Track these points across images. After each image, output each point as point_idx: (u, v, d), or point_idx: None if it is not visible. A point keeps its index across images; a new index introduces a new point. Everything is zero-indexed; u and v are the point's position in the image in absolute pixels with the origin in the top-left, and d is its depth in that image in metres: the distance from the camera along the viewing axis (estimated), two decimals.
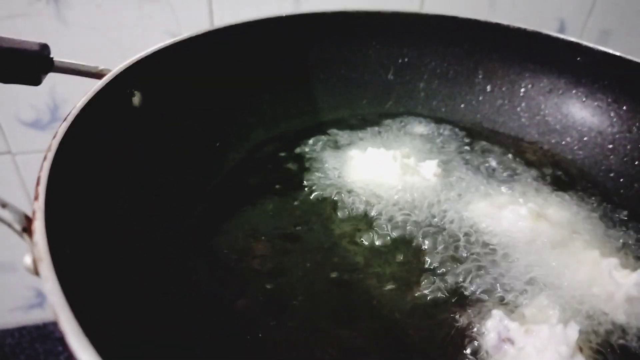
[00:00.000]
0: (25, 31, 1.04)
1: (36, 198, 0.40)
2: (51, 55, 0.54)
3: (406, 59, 0.86)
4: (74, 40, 1.06)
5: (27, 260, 0.37)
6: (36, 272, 0.36)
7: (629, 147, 0.74)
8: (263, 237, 0.61)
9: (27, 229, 0.38)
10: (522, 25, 0.79)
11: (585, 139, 0.78)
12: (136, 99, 0.59)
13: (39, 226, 0.37)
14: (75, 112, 0.49)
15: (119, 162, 0.55)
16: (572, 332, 0.50)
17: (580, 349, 0.51)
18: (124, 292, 0.45)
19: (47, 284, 0.34)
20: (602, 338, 0.54)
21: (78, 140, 0.48)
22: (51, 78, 1.06)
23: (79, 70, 0.57)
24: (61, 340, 0.31)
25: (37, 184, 0.41)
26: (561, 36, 0.77)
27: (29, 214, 0.39)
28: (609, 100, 0.76)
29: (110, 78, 0.55)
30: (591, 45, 0.75)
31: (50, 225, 0.38)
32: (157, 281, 0.50)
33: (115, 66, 0.57)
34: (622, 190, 0.73)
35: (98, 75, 0.56)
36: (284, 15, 0.76)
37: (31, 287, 1.39)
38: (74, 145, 0.47)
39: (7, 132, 1.14)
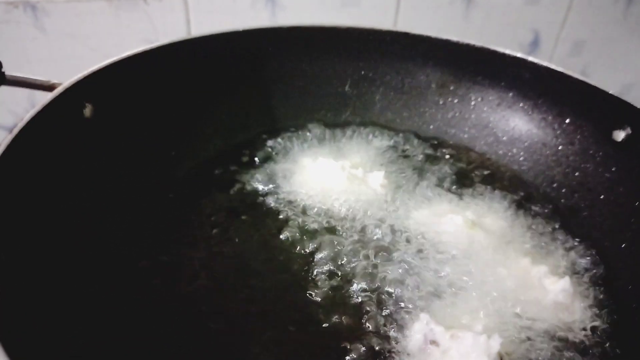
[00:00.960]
0: (3, 38, 1.06)
1: None
2: (2, 70, 0.57)
3: (362, 72, 0.89)
4: (52, 48, 1.08)
5: None
6: None
7: (571, 158, 0.77)
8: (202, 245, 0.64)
9: None
10: (471, 42, 0.82)
11: (530, 150, 0.81)
12: (87, 111, 0.62)
13: None
14: (21, 125, 0.52)
15: (67, 173, 0.58)
16: (494, 344, 0.52)
17: (501, 358, 0.53)
18: (62, 293, 0.48)
19: None
20: (524, 347, 0.56)
21: (23, 152, 0.51)
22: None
23: (30, 83, 0.60)
24: None
25: None
26: (507, 52, 0.80)
27: None
28: (553, 113, 0.79)
29: (61, 91, 0.58)
30: (536, 61, 0.78)
31: None
32: (99, 288, 0.53)
33: None
34: (562, 200, 0.76)
35: (50, 88, 0.59)
36: (240, 29, 0.79)
37: None
38: (17, 157, 0.50)
39: None
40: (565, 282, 0.61)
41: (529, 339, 0.57)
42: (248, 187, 0.74)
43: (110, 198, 0.63)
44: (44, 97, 0.55)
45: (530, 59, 0.78)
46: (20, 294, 0.43)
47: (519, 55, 0.80)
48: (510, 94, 0.83)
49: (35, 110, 0.54)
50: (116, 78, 0.67)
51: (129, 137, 0.68)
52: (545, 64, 0.77)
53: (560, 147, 0.79)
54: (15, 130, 0.51)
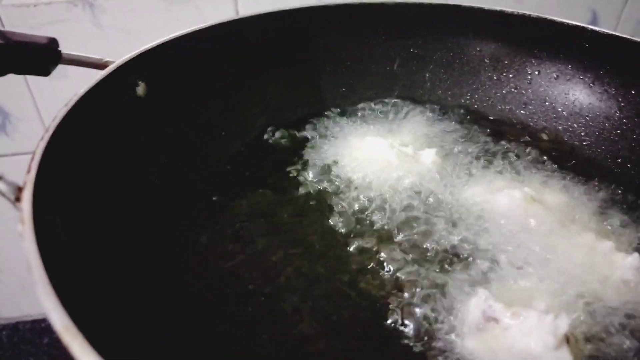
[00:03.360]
0: (64, 35, 1.11)
1: (28, 171, 0.44)
2: (59, 49, 0.59)
3: (411, 50, 0.87)
4: (108, 43, 1.13)
5: (19, 227, 0.42)
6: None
7: (637, 132, 0.72)
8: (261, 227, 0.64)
9: (18, 198, 0.43)
10: (527, 12, 0.78)
11: (592, 124, 0.77)
12: (140, 89, 0.64)
13: (26, 195, 0.42)
14: (75, 98, 0.53)
15: (119, 147, 0.59)
16: (562, 324, 0.49)
17: (567, 340, 0.50)
18: (102, 263, 0.49)
19: (26, 242, 0.38)
20: (591, 328, 0.53)
21: (77, 123, 0.52)
22: (90, 80, 1.15)
23: (85, 61, 0.62)
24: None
25: (32, 159, 0.45)
26: (565, 21, 0.76)
27: None
28: (617, 84, 0.75)
29: (112, 69, 0.59)
30: (596, 29, 0.74)
31: (38, 194, 0.42)
32: (135, 258, 0.54)
33: None
34: (627, 175, 0.71)
35: (103, 66, 0.61)
36: (288, 8, 0.79)
37: None
38: (72, 128, 0.51)
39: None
40: (634, 259, 0.57)
41: (595, 319, 0.53)
42: (297, 167, 0.74)
43: (159, 174, 0.64)
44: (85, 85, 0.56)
45: (590, 27, 0.74)
46: (71, 255, 0.44)
47: (577, 23, 0.76)
48: (570, 66, 0.79)
49: (90, 85, 0.55)
50: (167, 57, 0.68)
51: (180, 116, 0.69)
52: (606, 31, 0.73)
53: (624, 120, 0.74)
54: (70, 103, 0.52)
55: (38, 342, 1.48)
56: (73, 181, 0.50)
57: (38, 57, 0.56)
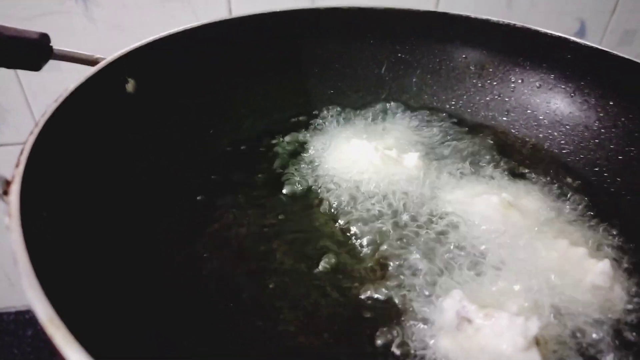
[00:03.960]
0: (56, 28, 1.11)
1: (17, 165, 0.45)
2: (50, 44, 0.60)
3: (399, 55, 0.88)
4: (101, 38, 1.13)
5: (6, 220, 0.43)
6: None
7: (614, 141, 0.74)
8: (244, 225, 0.65)
9: (6, 191, 0.43)
10: (512, 22, 0.80)
11: (572, 133, 0.79)
12: (130, 86, 0.65)
13: (14, 188, 0.43)
14: (65, 94, 0.54)
15: (108, 143, 0.60)
16: (532, 326, 0.51)
17: (537, 342, 0.52)
18: (87, 257, 0.50)
19: (13, 235, 0.39)
20: (560, 331, 0.54)
21: (66, 118, 0.53)
22: (80, 73, 1.15)
23: (76, 57, 0.63)
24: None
25: (21, 153, 0.46)
26: (550, 32, 0.78)
27: None
28: (596, 95, 0.77)
29: (103, 66, 0.60)
30: (579, 40, 0.76)
31: (26, 188, 0.43)
32: (129, 252, 0.55)
33: None
34: (604, 184, 0.73)
35: (93, 62, 0.62)
36: (280, 10, 0.80)
37: None
38: (61, 123, 0.52)
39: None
40: (604, 265, 0.59)
41: (565, 322, 0.55)
42: (282, 167, 0.75)
43: (145, 171, 0.65)
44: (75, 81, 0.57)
45: (573, 39, 0.76)
46: (57, 249, 0.45)
47: (561, 35, 0.77)
48: (552, 76, 0.81)
49: (79, 81, 0.56)
50: (158, 55, 0.69)
51: (168, 113, 0.70)
52: (589, 43, 0.75)
53: (603, 130, 0.76)
54: (60, 99, 0.53)
55: (21, 334, 1.48)
56: (60, 176, 0.51)
57: (29, 52, 0.57)
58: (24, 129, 1.22)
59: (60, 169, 0.52)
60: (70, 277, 0.43)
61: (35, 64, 0.58)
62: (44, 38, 0.59)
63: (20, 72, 1.16)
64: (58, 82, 1.15)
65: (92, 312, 0.41)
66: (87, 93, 0.57)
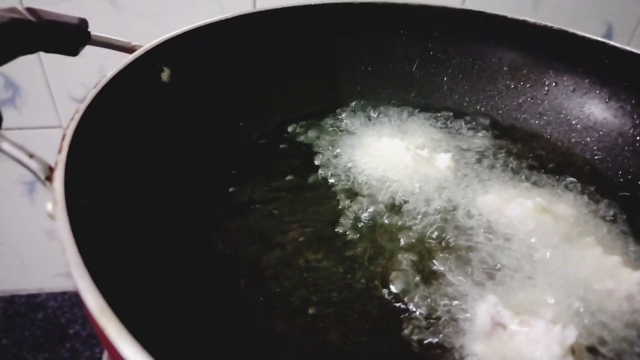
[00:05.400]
0: (79, 12, 1.11)
1: (60, 151, 0.44)
2: (89, 30, 0.60)
3: (431, 53, 0.87)
4: (124, 23, 1.12)
5: (49, 206, 0.42)
6: (53, 216, 0.41)
7: None
8: (271, 216, 0.65)
9: (49, 177, 0.43)
10: (549, 24, 0.79)
11: (605, 139, 0.78)
12: (165, 75, 0.64)
13: (58, 174, 0.42)
14: (104, 80, 0.54)
15: (142, 131, 0.60)
16: (570, 335, 0.50)
17: (573, 351, 0.51)
18: (132, 243, 0.49)
19: (59, 222, 0.38)
20: (595, 340, 0.54)
21: (105, 106, 0.53)
22: (101, 59, 1.15)
23: (113, 44, 0.62)
24: (81, 301, 0.36)
25: (62, 139, 0.46)
26: (587, 35, 0.77)
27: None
28: (633, 102, 0.75)
29: (140, 53, 0.59)
30: (618, 45, 0.75)
31: (69, 175, 0.43)
32: (164, 240, 0.54)
33: None
34: (637, 193, 0.72)
35: (131, 50, 0.61)
36: (313, 4, 0.80)
37: None
38: (100, 110, 0.52)
39: (59, 108, 1.22)
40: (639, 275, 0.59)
41: (598, 331, 0.54)
42: (312, 162, 0.74)
43: (178, 160, 0.65)
44: (113, 68, 0.57)
45: (612, 43, 0.75)
46: (99, 238, 0.45)
47: (599, 39, 0.76)
48: (587, 80, 0.80)
49: (118, 68, 0.56)
50: (193, 45, 0.68)
51: (200, 104, 0.70)
52: (628, 48, 0.73)
53: (638, 137, 0.75)
54: (99, 86, 0.52)
55: (33, 317, 1.49)
56: (98, 162, 0.51)
57: (68, 37, 0.57)
58: (45, 112, 1.22)
59: (98, 156, 0.51)
60: (112, 266, 0.42)
61: (73, 49, 0.58)
62: (83, 23, 0.58)
63: (42, 55, 1.16)
64: (79, 66, 1.15)
65: (136, 302, 0.40)
66: (124, 80, 0.56)
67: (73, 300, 1.52)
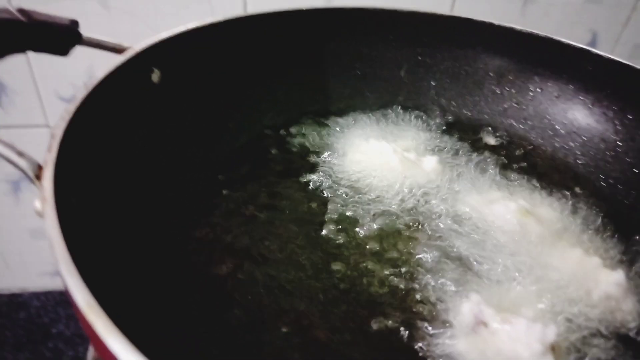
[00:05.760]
0: (70, 13, 1.10)
1: (49, 150, 0.45)
2: (79, 30, 0.60)
3: (420, 58, 0.89)
4: (114, 24, 1.12)
5: (37, 204, 0.42)
6: (42, 214, 0.41)
7: (630, 155, 0.75)
8: (258, 218, 0.65)
9: (38, 175, 0.43)
10: (535, 31, 0.81)
11: (588, 145, 0.79)
12: (155, 76, 0.65)
13: (47, 173, 0.42)
14: (95, 81, 0.54)
15: (132, 131, 0.60)
16: (550, 333, 0.52)
17: (553, 349, 0.52)
18: (120, 241, 0.50)
19: (48, 220, 0.39)
20: (573, 339, 0.55)
21: (95, 106, 0.53)
22: (89, 58, 1.14)
23: (104, 45, 0.62)
24: (68, 297, 0.36)
25: (52, 138, 0.46)
26: (572, 43, 0.79)
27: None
28: (615, 108, 0.77)
29: (132, 55, 0.60)
30: (601, 53, 0.76)
31: (58, 173, 0.43)
32: (151, 238, 0.55)
33: None
34: (618, 197, 0.74)
35: (121, 51, 0.61)
36: (303, 8, 0.80)
37: None
38: (90, 110, 0.52)
39: (46, 107, 1.21)
40: (618, 275, 0.60)
41: (577, 330, 0.56)
42: (299, 165, 0.75)
43: (168, 160, 0.65)
44: (104, 69, 0.57)
45: (596, 51, 0.76)
46: (87, 236, 0.45)
47: (583, 46, 0.78)
48: (571, 87, 0.81)
49: (109, 69, 0.56)
50: (182, 47, 0.69)
51: (190, 106, 0.70)
52: (611, 56, 0.75)
53: (619, 143, 0.77)
54: (90, 86, 0.53)
55: (15, 317, 1.48)
56: (86, 162, 0.51)
57: (58, 37, 0.57)
58: (32, 111, 1.21)
59: (87, 155, 0.51)
60: (99, 263, 0.43)
61: (63, 49, 0.58)
62: (74, 24, 0.58)
63: (30, 54, 1.15)
64: (67, 65, 1.15)
65: (124, 299, 0.40)
66: (114, 81, 0.56)
67: (57, 299, 1.50)
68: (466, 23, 0.84)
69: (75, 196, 0.46)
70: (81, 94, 0.52)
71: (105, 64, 0.58)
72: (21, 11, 0.53)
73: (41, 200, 0.41)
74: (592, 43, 1.32)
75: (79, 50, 0.64)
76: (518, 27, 0.83)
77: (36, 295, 1.50)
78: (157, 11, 1.13)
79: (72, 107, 0.50)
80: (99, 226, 0.49)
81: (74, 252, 0.37)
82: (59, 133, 0.46)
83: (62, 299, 1.50)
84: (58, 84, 1.19)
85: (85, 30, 0.63)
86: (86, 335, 0.34)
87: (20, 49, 0.54)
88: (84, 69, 1.17)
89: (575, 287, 0.60)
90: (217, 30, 0.74)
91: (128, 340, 0.31)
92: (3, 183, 1.29)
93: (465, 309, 0.55)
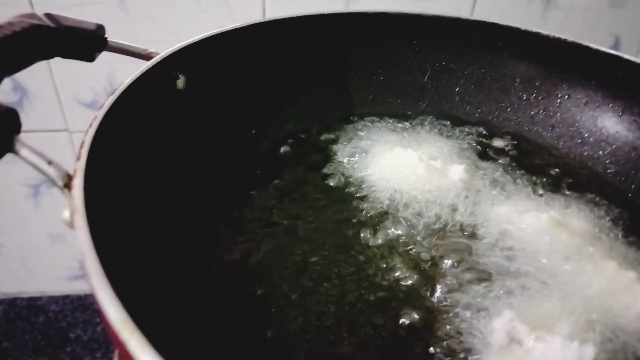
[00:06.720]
0: (90, 18, 1.10)
1: (78, 158, 0.44)
2: (105, 36, 0.60)
3: (444, 63, 0.87)
4: (134, 29, 1.13)
5: (66, 214, 0.42)
6: (72, 224, 0.41)
7: None
8: (282, 225, 0.64)
9: (67, 185, 0.43)
10: (562, 36, 0.79)
11: (618, 153, 0.77)
12: (180, 82, 0.64)
13: (77, 182, 0.42)
14: (122, 87, 0.54)
15: (159, 137, 0.59)
16: (588, 352, 0.50)
17: None
18: (149, 252, 0.49)
19: (79, 231, 0.38)
20: (613, 356, 0.53)
21: (122, 113, 0.52)
22: (109, 63, 1.15)
23: (129, 51, 0.62)
24: (99, 312, 0.35)
25: (81, 146, 0.45)
26: (601, 48, 0.77)
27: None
28: None
29: (157, 60, 0.59)
30: (632, 58, 0.75)
31: (88, 182, 0.42)
32: (180, 250, 0.54)
33: None
34: None
35: (147, 57, 0.61)
36: (326, 13, 0.80)
37: (77, 259, 1.48)
38: (118, 117, 0.51)
39: (66, 112, 1.22)
40: None
41: (613, 348, 0.54)
42: (323, 172, 0.74)
43: (192, 167, 0.65)
44: (125, 76, 0.56)
45: (626, 56, 0.75)
46: (118, 247, 0.45)
47: (612, 52, 0.76)
48: (600, 93, 0.80)
49: (135, 75, 0.55)
50: (206, 53, 0.68)
51: (214, 112, 0.70)
52: None
53: None
54: (117, 92, 0.52)
55: (34, 320, 1.49)
56: (115, 170, 0.51)
57: (85, 43, 0.57)
58: (52, 116, 1.22)
59: (114, 163, 0.51)
60: (131, 277, 0.42)
61: (90, 55, 0.58)
62: (100, 29, 0.58)
63: (50, 59, 1.16)
64: (87, 70, 1.15)
65: (156, 314, 0.40)
66: (141, 87, 0.56)
67: (75, 304, 1.51)
68: (491, 28, 0.83)
69: (105, 205, 0.46)
70: (109, 100, 0.51)
71: (126, 69, 0.57)
72: (49, 16, 0.53)
73: (71, 210, 0.40)
74: (615, 47, 1.30)
75: (99, 56, 0.64)
76: (544, 32, 0.81)
77: (55, 300, 1.51)
78: (177, 16, 1.13)
79: (100, 114, 0.49)
80: (129, 236, 0.48)
81: (106, 265, 0.36)
82: (87, 141, 0.46)
83: (81, 303, 1.51)
84: (78, 89, 1.19)
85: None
86: (102, 340, 0.33)
87: (49, 55, 0.54)
88: (104, 74, 1.18)
89: (611, 302, 0.58)
90: (239, 36, 0.73)
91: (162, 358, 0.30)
92: (23, 187, 1.29)
93: (497, 326, 0.54)
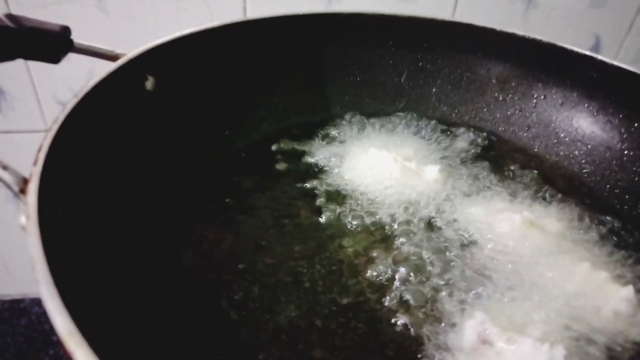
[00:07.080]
0: (68, 17, 1.10)
1: (35, 163, 0.43)
2: (71, 37, 0.58)
3: (420, 64, 0.87)
4: (112, 29, 1.11)
5: (22, 219, 0.41)
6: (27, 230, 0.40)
7: (637, 164, 0.73)
8: (253, 226, 0.64)
9: (23, 190, 0.42)
10: (538, 37, 0.79)
11: (593, 153, 0.78)
12: (149, 83, 0.63)
13: (32, 187, 0.41)
14: (85, 90, 0.52)
15: (126, 139, 0.58)
16: (558, 354, 0.50)
17: None
18: (112, 257, 0.48)
19: (30, 238, 0.37)
20: (583, 358, 0.53)
21: (85, 115, 0.51)
22: (90, 62, 1.13)
23: (96, 52, 0.61)
24: None
25: (39, 150, 0.44)
26: (576, 49, 0.77)
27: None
28: (621, 116, 0.75)
29: (124, 62, 0.58)
30: (605, 59, 0.75)
31: (43, 188, 0.41)
32: (138, 258, 0.53)
33: None
34: (625, 207, 0.72)
35: (114, 58, 0.60)
36: (300, 13, 0.79)
37: None
38: (80, 120, 0.50)
39: (45, 112, 1.20)
40: (628, 291, 0.58)
41: (585, 349, 0.54)
42: (296, 172, 0.74)
43: (162, 169, 0.64)
44: (95, 77, 0.55)
45: (600, 57, 0.75)
46: (72, 254, 0.44)
47: (587, 53, 0.76)
48: (575, 94, 0.80)
49: (100, 77, 0.54)
50: (177, 53, 0.67)
51: (185, 113, 0.69)
52: (616, 63, 0.73)
53: (625, 152, 0.75)
54: (80, 94, 0.51)
55: (15, 323, 1.47)
56: (75, 174, 0.49)
57: (49, 44, 0.56)
58: (31, 116, 1.20)
59: (76, 167, 0.50)
60: (85, 285, 0.41)
61: (54, 57, 0.57)
62: (65, 31, 0.57)
63: (29, 60, 1.14)
64: (66, 70, 1.14)
65: (109, 325, 0.39)
66: (107, 89, 0.55)
67: None
68: (467, 28, 0.82)
69: (62, 210, 0.45)
70: (71, 103, 0.50)
71: (106, 68, 0.56)
72: (9, 17, 0.52)
73: (25, 215, 0.39)
74: (595, 48, 1.30)
75: (78, 55, 0.63)
76: (520, 32, 0.81)
77: (37, 302, 1.49)
78: (157, 16, 1.12)
79: (61, 117, 0.48)
80: (87, 242, 0.47)
81: (57, 274, 0.35)
82: (45, 145, 0.45)
83: None
84: (57, 89, 1.18)
85: (84, 36, 0.62)
86: None
87: (9, 56, 0.52)
88: (84, 74, 1.16)
89: (583, 303, 0.57)
90: (213, 36, 0.73)
91: None
92: (4, 189, 1.27)
93: (469, 327, 0.53)
